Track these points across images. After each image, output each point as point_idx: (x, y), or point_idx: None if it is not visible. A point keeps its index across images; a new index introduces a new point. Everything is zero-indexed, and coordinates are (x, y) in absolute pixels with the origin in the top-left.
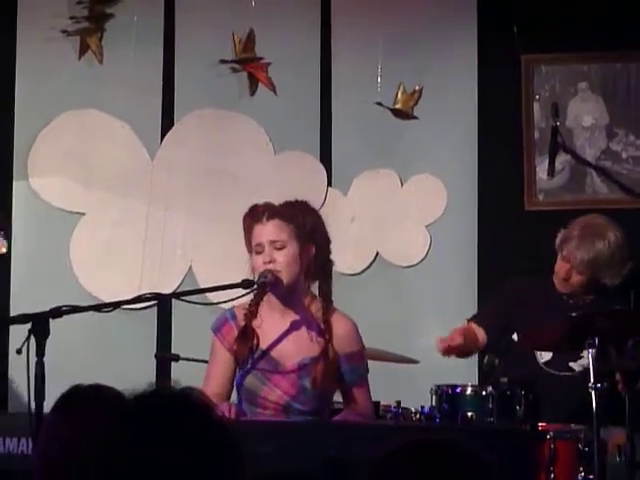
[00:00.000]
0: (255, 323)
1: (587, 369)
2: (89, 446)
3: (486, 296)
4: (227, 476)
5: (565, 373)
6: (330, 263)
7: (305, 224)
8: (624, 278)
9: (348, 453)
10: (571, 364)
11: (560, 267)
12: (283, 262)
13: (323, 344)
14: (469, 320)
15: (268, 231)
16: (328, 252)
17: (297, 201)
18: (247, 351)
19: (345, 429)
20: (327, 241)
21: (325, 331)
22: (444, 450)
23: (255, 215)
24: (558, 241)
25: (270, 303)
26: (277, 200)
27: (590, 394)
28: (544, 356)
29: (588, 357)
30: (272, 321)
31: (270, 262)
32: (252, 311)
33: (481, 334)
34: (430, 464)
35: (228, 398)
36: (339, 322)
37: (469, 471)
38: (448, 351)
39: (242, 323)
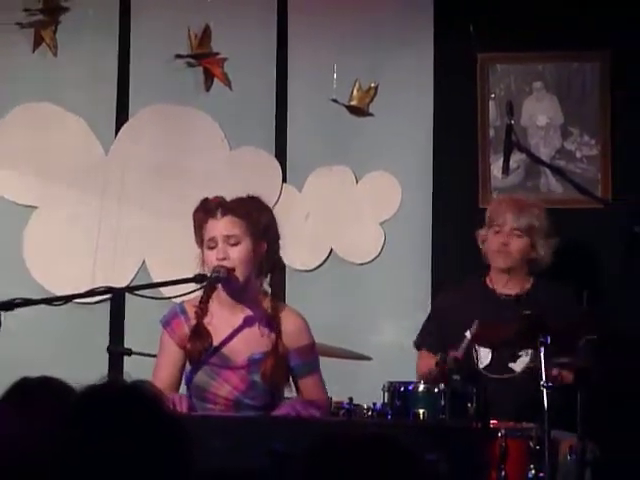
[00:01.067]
0: (206, 320)
1: (529, 368)
2: (37, 439)
3: (428, 315)
4: (176, 469)
5: (505, 375)
6: (280, 260)
7: (259, 221)
8: (556, 262)
9: (297, 448)
10: (511, 365)
11: (493, 241)
12: (237, 258)
13: (274, 340)
14: (417, 347)
15: (222, 226)
16: (278, 248)
17: (250, 197)
18: (201, 350)
19: (294, 424)
20: (278, 237)
21: (275, 327)
22: (379, 445)
23: (208, 209)
24: (487, 219)
25: (220, 299)
26: (232, 196)
27: (540, 393)
28: (483, 361)
29: (540, 356)
30: (222, 317)
31: (224, 258)
32: (202, 308)
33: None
34: (365, 458)
35: (176, 392)
36: (289, 318)
37: (403, 467)
38: None
39: (192, 319)
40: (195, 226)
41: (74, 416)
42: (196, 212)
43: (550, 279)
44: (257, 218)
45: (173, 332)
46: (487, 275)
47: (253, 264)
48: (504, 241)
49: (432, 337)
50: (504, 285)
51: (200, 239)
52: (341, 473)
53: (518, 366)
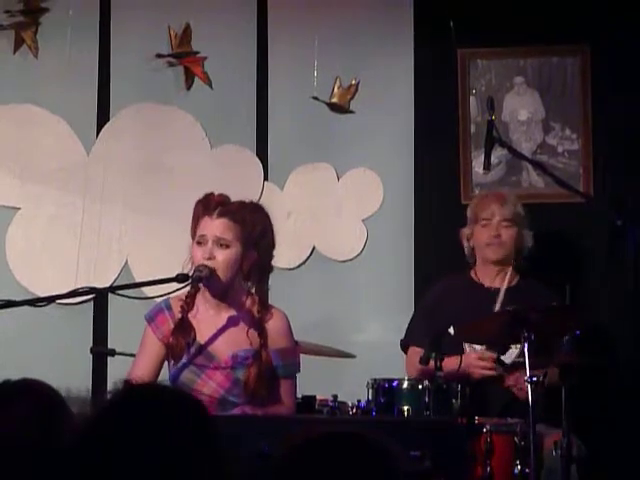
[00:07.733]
0: (190, 314)
1: (517, 362)
2: (16, 441)
3: (414, 313)
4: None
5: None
6: (270, 268)
7: (254, 229)
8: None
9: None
10: (502, 358)
11: (483, 234)
12: (221, 261)
13: (257, 339)
14: (404, 342)
15: (215, 227)
16: (270, 258)
17: (253, 204)
18: (184, 344)
19: (280, 423)
20: (271, 247)
21: (259, 328)
22: (347, 443)
23: (207, 206)
24: (472, 214)
25: (206, 296)
26: None
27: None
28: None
29: (524, 351)
30: (207, 314)
31: (209, 258)
32: (188, 303)
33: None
34: (333, 456)
35: None
36: (272, 318)
37: (371, 464)
38: None
39: (178, 314)
40: (193, 218)
41: (116, 416)
42: (196, 205)
43: (537, 277)
44: (252, 226)
45: (157, 328)
46: (472, 270)
47: (238, 270)
48: (495, 233)
49: (420, 333)
50: (492, 279)
51: (194, 231)
52: (315, 471)
53: (508, 358)
